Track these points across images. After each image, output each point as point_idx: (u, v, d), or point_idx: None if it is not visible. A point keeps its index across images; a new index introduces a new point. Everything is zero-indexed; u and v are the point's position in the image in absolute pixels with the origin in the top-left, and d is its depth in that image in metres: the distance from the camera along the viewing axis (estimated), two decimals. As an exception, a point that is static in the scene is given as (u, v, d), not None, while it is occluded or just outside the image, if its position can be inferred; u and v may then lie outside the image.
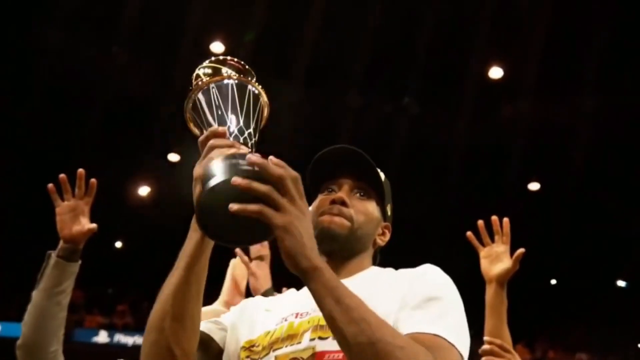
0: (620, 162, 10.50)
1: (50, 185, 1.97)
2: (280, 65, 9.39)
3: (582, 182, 10.75)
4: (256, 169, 1.10)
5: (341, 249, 1.49)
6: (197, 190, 1.16)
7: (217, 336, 1.43)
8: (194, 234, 1.28)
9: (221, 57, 1.29)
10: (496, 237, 2.17)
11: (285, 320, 1.41)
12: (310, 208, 1.51)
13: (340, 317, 1.12)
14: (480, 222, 2.13)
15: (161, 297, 1.31)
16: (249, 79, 1.28)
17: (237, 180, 1.09)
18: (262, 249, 2.33)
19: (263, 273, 2.18)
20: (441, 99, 10.17)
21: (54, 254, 1.94)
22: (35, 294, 1.96)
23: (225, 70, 1.27)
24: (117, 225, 11.06)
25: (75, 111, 9.63)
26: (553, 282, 13.97)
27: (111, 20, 8.75)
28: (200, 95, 1.26)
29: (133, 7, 8.63)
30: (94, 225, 1.99)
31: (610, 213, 11.01)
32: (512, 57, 9.60)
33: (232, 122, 1.25)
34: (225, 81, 1.27)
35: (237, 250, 2.27)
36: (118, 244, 13.70)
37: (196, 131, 1.28)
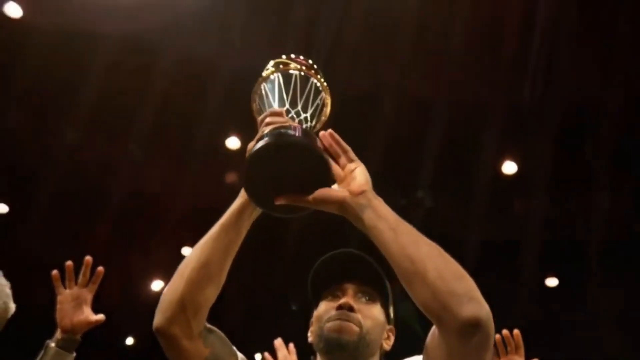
0: (637, 258, 10.37)
1: (55, 272, 1.93)
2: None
3: (599, 278, 10.58)
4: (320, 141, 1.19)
5: (350, 357, 1.44)
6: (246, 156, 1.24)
7: None
8: (239, 199, 1.31)
9: (291, 55, 1.35)
10: (509, 348, 2.15)
11: None
12: (314, 315, 1.48)
13: (406, 228, 1.25)
14: (497, 337, 2.12)
15: (192, 250, 1.37)
16: (315, 74, 1.34)
17: (325, 133, 1.22)
18: (290, 355, 2.25)
19: None
20: (455, 193, 10.16)
21: (52, 344, 1.88)
22: None
23: (292, 65, 1.35)
24: (128, 321, 10.93)
25: (89, 206, 9.69)
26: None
27: (127, 117, 8.90)
28: (265, 84, 1.32)
29: (149, 105, 8.79)
30: (101, 316, 1.94)
31: (632, 311, 10.79)
32: (526, 152, 9.64)
33: (291, 106, 1.31)
34: (290, 71, 1.33)
35: (266, 354, 2.21)
36: (129, 341, 13.50)
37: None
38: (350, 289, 1.50)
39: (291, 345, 2.50)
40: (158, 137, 9.15)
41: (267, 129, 1.23)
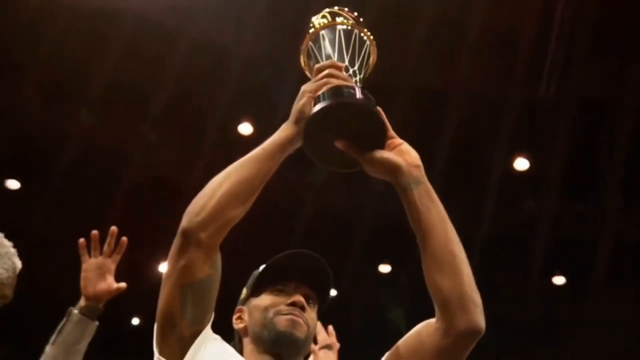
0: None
1: (82, 240, 1.96)
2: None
3: (608, 277, 10.57)
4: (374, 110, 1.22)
5: (295, 354, 1.48)
6: (310, 102, 1.23)
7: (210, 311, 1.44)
8: (283, 133, 1.31)
9: (336, 8, 1.37)
10: None
11: None
12: (254, 304, 1.50)
13: (450, 224, 1.29)
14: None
15: (231, 166, 1.38)
16: (359, 26, 1.37)
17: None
18: (329, 337, 2.27)
19: None
20: (465, 190, 10.15)
21: (75, 311, 1.90)
22: (52, 349, 1.89)
23: (337, 19, 1.37)
24: (135, 301, 10.99)
25: (100, 187, 9.73)
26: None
27: (142, 101, 8.94)
28: (312, 43, 1.34)
29: (164, 90, 8.82)
30: (122, 284, 1.97)
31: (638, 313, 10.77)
32: (539, 149, 9.60)
33: (343, 60, 1.34)
34: (336, 26, 1.36)
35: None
36: (135, 321, 13.58)
37: (310, 76, 1.36)
38: (300, 289, 1.53)
39: None
40: (172, 121, 9.19)
41: (329, 85, 1.27)
